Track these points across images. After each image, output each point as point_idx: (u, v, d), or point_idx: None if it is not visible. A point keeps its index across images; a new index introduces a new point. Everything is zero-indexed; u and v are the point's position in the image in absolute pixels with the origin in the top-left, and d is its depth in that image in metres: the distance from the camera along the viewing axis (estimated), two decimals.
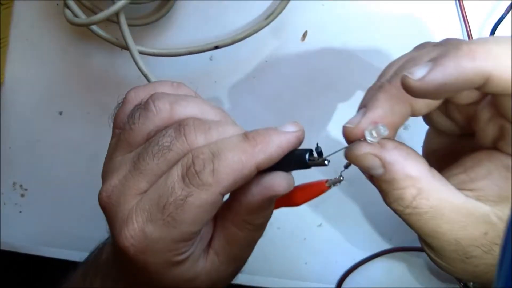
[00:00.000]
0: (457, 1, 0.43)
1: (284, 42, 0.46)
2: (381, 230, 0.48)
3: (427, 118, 0.31)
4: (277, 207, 0.31)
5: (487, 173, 0.26)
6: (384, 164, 0.26)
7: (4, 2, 0.48)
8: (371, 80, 0.45)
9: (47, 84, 0.51)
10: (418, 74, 0.23)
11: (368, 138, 0.26)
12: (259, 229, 0.31)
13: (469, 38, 0.43)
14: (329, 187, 0.30)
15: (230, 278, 0.33)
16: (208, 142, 0.28)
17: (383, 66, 0.45)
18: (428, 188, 0.25)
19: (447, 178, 0.27)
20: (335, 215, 0.47)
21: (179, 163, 0.27)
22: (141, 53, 0.43)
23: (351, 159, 0.27)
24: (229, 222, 0.30)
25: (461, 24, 0.44)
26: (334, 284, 0.49)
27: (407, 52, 0.31)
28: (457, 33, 0.44)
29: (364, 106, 0.28)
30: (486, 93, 0.27)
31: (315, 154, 0.28)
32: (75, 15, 0.42)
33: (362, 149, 0.26)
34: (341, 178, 0.29)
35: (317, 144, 0.28)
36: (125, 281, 0.32)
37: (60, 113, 0.51)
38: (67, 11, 0.43)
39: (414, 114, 0.28)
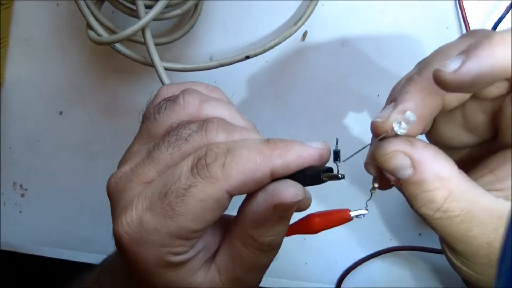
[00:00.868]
0: (457, 1, 0.43)
1: (284, 42, 0.46)
2: (381, 230, 0.48)
3: (436, 138, 0.30)
4: (292, 233, 0.29)
5: None
6: (414, 164, 0.24)
7: (4, 2, 0.48)
8: (371, 80, 0.46)
9: (47, 84, 0.51)
10: (452, 66, 0.22)
11: (397, 129, 0.25)
12: (266, 251, 0.28)
13: None
14: (352, 218, 0.28)
15: None
16: (227, 140, 0.26)
17: (383, 65, 0.45)
18: (459, 190, 0.24)
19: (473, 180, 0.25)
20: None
21: (192, 154, 0.26)
22: (168, 69, 0.42)
23: (379, 158, 0.25)
24: (235, 237, 0.28)
25: (461, 24, 0.44)
26: (334, 284, 0.50)
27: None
28: (457, 33, 0.44)
29: (393, 100, 0.26)
30: None
31: (335, 171, 0.26)
32: (98, 34, 0.41)
33: (392, 146, 0.25)
34: (366, 210, 0.27)
35: (336, 141, 0.27)
36: (129, 282, 0.31)
37: (60, 113, 0.51)
38: (91, 32, 0.42)
39: (444, 108, 0.26)
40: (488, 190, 0.25)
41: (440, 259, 0.48)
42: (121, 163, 0.29)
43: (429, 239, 0.48)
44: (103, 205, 0.52)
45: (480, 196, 0.24)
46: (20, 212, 0.54)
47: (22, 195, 0.54)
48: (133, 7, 0.41)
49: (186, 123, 0.27)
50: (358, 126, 0.46)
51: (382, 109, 0.30)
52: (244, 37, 0.46)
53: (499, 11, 0.42)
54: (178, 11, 0.42)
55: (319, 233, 0.30)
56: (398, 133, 0.25)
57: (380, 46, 0.45)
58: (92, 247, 0.53)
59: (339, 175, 0.26)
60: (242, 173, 0.25)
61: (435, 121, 0.29)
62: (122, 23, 0.42)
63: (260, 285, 0.48)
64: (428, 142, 0.26)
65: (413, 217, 0.48)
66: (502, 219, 0.24)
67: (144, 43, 0.41)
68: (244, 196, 0.28)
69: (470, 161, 0.29)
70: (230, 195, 0.26)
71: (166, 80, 0.41)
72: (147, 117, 0.29)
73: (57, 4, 0.49)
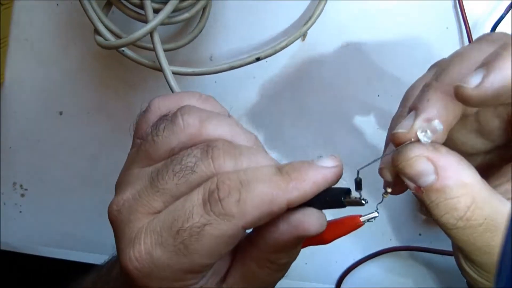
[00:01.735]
0: (457, 1, 0.43)
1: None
2: (381, 230, 0.48)
3: (448, 142, 0.28)
4: (304, 246, 0.29)
5: None
6: (437, 170, 0.23)
7: (4, 2, 0.47)
8: (371, 79, 0.46)
9: (47, 84, 0.50)
10: (473, 81, 0.22)
11: (422, 138, 0.24)
12: (282, 269, 0.28)
13: (468, 38, 0.43)
14: (363, 223, 0.27)
15: None
16: (237, 169, 0.25)
17: (383, 65, 0.45)
18: (482, 197, 0.23)
19: None
20: (334, 214, 0.47)
21: (202, 186, 0.25)
22: (176, 73, 0.41)
23: (400, 164, 0.24)
24: (250, 259, 0.27)
25: (461, 24, 0.43)
26: (334, 284, 0.49)
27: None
28: (457, 33, 0.44)
29: (413, 108, 0.25)
30: None
31: (352, 193, 0.26)
32: (105, 39, 0.41)
33: (415, 151, 0.24)
34: (377, 213, 0.27)
35: (357, 173, 0.26)
36: None
37: (60, 113, 0.51)
38: (98, 37, 0.41)
39: (466, 113, 0.26)
40: (507, 199, 0.24)
41: (440, 259, 0.48)
42: (121, 186, 0.28)
43: (429, 239, 0.48)
44: (103, 205, 0.52)
45: (502, 204, 0.24)
46: (20, 212, 0.54)
47: (22, 195, 0.54)
48: (141, 11, 0.40)
49: (189, 149, 0.26)
50: (362, 127, 0.46)
51: (395, 117, 0.29)
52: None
53: (499, 11, 0.42)
54: (186, 15, 0.42)
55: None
56: (423, 142, 0.24)
57: (380, 46, 0.45)
58: (92, 247, 0.52)
59: (362, 201, 0.26)
60: (258, 209, 0.24)
61: None
62: (127, 29, 0.42)
63: None
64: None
65: (413, 217, 0.48)
66: None
67: (153, 47, 0.40)
68: None
69: (483, 168, 0.28)
70: (245, 229, 0.25)
71: (174, 85, 0.41)
72: (144, 138, 0.28)
73: (57, 4, 0.49)
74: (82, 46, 0.49)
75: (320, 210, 0.26)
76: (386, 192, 0.27)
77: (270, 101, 0.47)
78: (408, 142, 0.24)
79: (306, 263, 0.48)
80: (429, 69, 0.31)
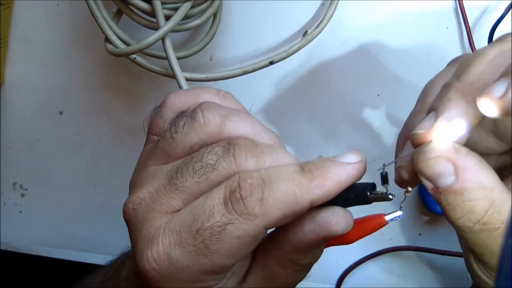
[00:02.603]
0: (457, 1, 0.43)
1: (285, 41, 0.46)
2: (381, 230, 0.48)
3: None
4: (327, 245, 0.28)
5: None
6: (457, 171, 0.23)
7: (4, 2, 0.47)
8: (371, 79, 0.46)
9: (47, 84, 0.51)
10: (497, 92, 0.21)
11: (442, 139, 0.23)
12: (304, 270, 0.27)
13: (468, 38, 0.43)
14: (387, 222, 0.27)
15: None
16: (259, 167, 0.25)
17: (383, 64, 0.45)
18: (501, 201, 0.23)
19: None
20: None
21: (223, 184, 0.24)
22: (189, 80, 0.41)
23: (420, 164, 0.24)
24: (272, 259, 0.27)
25: (461, 24, 0.43)
26: (334, 284, 0.49)
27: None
28: (457, 33, 0.44)
29: (433, 109, 0.25)
30: None
31: (377, 188, 0.25)
32: (115, 46, 0.41)
33: (435, 152, 0.23)
34: (401, 212, 0.26)
35: (383, 166, 0.25)
36: None
37: (60, 113, 0.51)
38: (109, 45, 0.41)
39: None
40: None
41: (440, 259, 0.48)
42: (137, 184, 0.27)
43: (429, 239, 0.48)
44: (103, 205, 0.52)
45: None
46: (20, 212, 0.54)
47: (22, 195, 0.54)
48: (152, 19, 0.40)
49: (210, 146, 0.26)
50: (363, 127, 0.46)
51: (413, 113, 0.28)
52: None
53: (499, 11, 0.42)
54: (197, 21, 0.41)
55: None
56: (443, 143, 0.24)
57: (380, 45, 0.45)
58: (92, 247, 0.52)
59: (390, 196, 0.25)
60: (281, 208, 0.24)
61: None
62: (136, 38, 0.42)
63: None
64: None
65: (413, 217, 0.48)
66: None
67: (165, 54, 0.40)
68: None
69: (496, 170, 0.27)
70: (267, 229, 0.25)
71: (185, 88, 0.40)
72: (161, 135, 0.28)
73: (57, 4, 0.49)
74: (82, 46, 0.49)
75: (345, 208, 0.25)
76: (407, 191, 0.26)
77: (271, 101, 0.47)
78: (428, 142, 0.24)
79: None
80: (449, 65, 0.30)
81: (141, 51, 0.40)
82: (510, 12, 0.41)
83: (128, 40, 0.41)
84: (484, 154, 0.28)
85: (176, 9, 0.39)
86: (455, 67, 0.27)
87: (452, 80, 0.25)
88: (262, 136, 0.27)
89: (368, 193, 0.25)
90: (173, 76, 0.40)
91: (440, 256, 0.48)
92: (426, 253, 0.48)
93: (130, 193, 0.27)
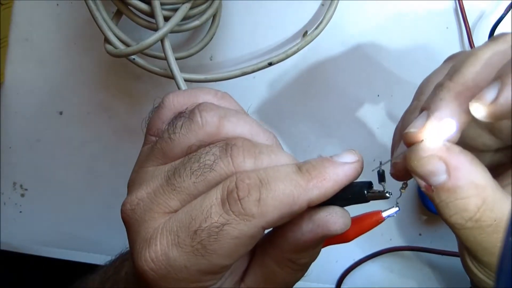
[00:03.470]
0: (457, 1, 0.43)
1: (284, 42, 0.46)
2: (381, 230, 0.48)
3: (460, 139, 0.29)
4: (326, 245, 0.28)
5: None
6: (449, 169, 0.23)
7: (4, 2, 0.48)
8: (371, 79, 0.46)
9: (47, 84, 0.51)
10: (489, 97, 0.22)
11: (434, 137, 0.24)
12: (302, 269, 0.28)
13: (468, 38, 0.43)
14: (385, 218, 0.27)
15: None
16: (256, 167, 0.25)
17: (382, 64, 0.45)
18: (493, 199, 0.23)
19: None
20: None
21: (220, 185, 0.25)
22: (188, 80, 0.41)
23: (412, 163, 0.24)
24: (270, 258, 0.27)
25: (460, 24, 0.44)
26: (334, 284, 0.50)
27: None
28: (457, 33, 0.44)
29: (425, 108, 0.25)
30: None
31: (374, 187, 0.25)
32: (115, 47, 0.41)
33: (427, 151, 0.23)
34: (398, 208, 0.26)
35: (380, 164, 0.26)
36: None
37: (60, 113, 0.51)
38: (108, 46, 0.41)
39: None
40: None
41: (440, 259, 0.48)
42: (134, 184, 0.28)
43: (429, 239, 0.48)
44: (103, 205, 0.52)
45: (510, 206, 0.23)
46: (20, 212, 0.54)
47: (22, 195, 0.54)
48: (151, 20, 0.40)
49: (207, 147, 0.26)
50: (363, 126, 0.46)
51: (408, 111, 0.28)
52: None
53: (499, 11, 0.42)
54: (196, 22, 0.41)
55: None
56: (435, 141, 0.24)
57: (380, 46, 0.45)
58: (92, 247, 0.53)
59: (387, 194, 0.25)
60: (278, 208, 0.24)
61: None
62: (135, 39, 0.42)
63: None
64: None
65: (413, 217, 0.48)
66: None
67: (164, 54, 0.40)
68: None
69: (492, 167, 0.27)
70: (264, 230, 0.25)
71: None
72: (159, 135, 0.28)
73: (57, 4, 0.49)
74: (82, 46, 0.49)
75: (343, 207, 0.26)
76: (403, 187, 0.27)
77: (271, 101, 0.47)
78: (420, 141, 0.24)
79: None
80: (445, 62, 0.30)
81: (140, 52, 0.40)
82: (510, 12, 0.41)
83: (128, 41, 0.41)
84: (480, 150, 0.28)
85: (175, 10, 0.39)
86: (450, 64, 0.27)
87: (445, 80, 0.25)
88: (260, 136, 0.27)
89: (366, 192, 0.25)
90: (172, 76, 0.40)
91: (440, 256, 0.48)
92: (426, 253, 0.48)
93: (128, 193, 0.28)
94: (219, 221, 0.24)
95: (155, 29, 0.39)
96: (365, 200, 0.25)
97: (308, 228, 0.25)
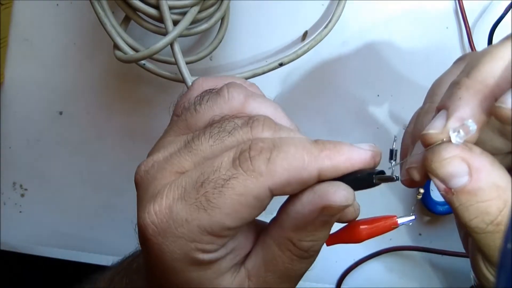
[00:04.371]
0: (457, 1, 0.43)
1: (284, 42, 0.46)
2: None
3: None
4: (334, 242, 0.27)
5: None
6: (471, 171, 0.22)
7: (4, 2, 0.47)
8: (371, 79, 0.46)
9: (47, 84, 0.51)
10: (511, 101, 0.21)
11: (454, 139, 0.23)
12: (304, 258, 0.26)
13: (468, 38, 0.43)
14: (399, 225, 0.26)
15: None
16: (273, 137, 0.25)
17: (383, 64, 0.45)
18: None
19: None
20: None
21: (235, 147, 0.25)
22: None
23: (433, 164, 0.23)
24: (271, 238, 0.26)
25: (460, 24, 0.44)
26: (334, 284, 0.50)
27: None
28: (457, 33, 0.44)
29: (442, 107, 0.24)
30: None
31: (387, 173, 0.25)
32: (124, 53, 0.41)
33: (450, 152, 0.23)
34: (414, 216, 0.26)
35: (394, 140, 0.25)
36: (148, 284, 0.29)
37: (60, 113, 0.51)
38: (118, 52, 0.41)
39: None
40: None
41: (440, 259, 0.48)
42: (153, 151, 0.27)
43: (429, 239, 0.48)
44: (103, 205, 0.52)
45: None
46: (20, 212, 0.54)
47: (22, 195, 0.54)
48: (159, 24, 0.40)
49: (230, 117, 0.26)
50: (363, 126, 0.46)
51: (421, 113, 0.28)
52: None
53: (499, 11, 0.42)
54: (205, 26, 0.41)
55: None
56: (455, 142, 0.23)
57: (380, 46, 0.45)
58: (92, 247, 0.53)
59: (394, 177, 0.24)
60: (287, 170, 0.23)
61: None
62: (143, 45, 0.42)
63: None
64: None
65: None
66: None
67: (174, 59, 0.40)
68: (284, 197, 0.26)
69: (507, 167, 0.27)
70: (272, 193, 0.24)
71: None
72: (186, 108, 0.28)
73: (57, 4, 0.49)
74: (82, 46, 0.49)
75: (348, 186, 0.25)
76: (419, 193, 0.26)
77: (274, 96, 0.47)
78: (440, 142, 0.23)
79: None
80: (455, 63, 0.30)
81: (150, 57, 0.40)
82: (510, 12, 0.41)
83: (137, 46, 0.41)
84: (491, 154, 0.28)
85: (183, 14, 0.39)
86: (462, 65, 0.26)
87: (461, 77, 0.24)
88: (283, 120, 0.27)
89: (374, 176, 0.24)
90: (182, 80, 0.40)
91: (440, 256, 0.48)
92: (426, 253, 0.48)
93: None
94: (226, 174, 0.23)
95: (164, 34, 0.39)
96: (372, 182, 0.24)
97: (309, 199, 0.24)
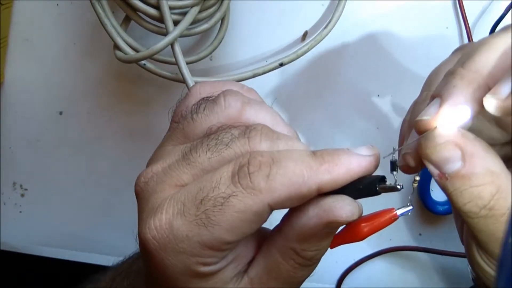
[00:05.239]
0: (457, 1, 0.43)
1: (284, 42, 0.46)
2: (381, 230, 0.48)
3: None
4: (337, 244, 0.27)
5: None
6: (464, 156, 0.23)
7: (4, 2, 0.47)
8: (371, 79, 0.46)
9: (47, 84, 0.51)
10: (503, 91, 0.22)
11: (448, 124, 0.23)
12: (307, 266, 0.27)
13: (468, 38, 0.43)
14: (398, 217, 0.26)
15: None
16: (271, 150, 0.25)
17: (383, 64, 0.45)
18: (507, 187, 0.23)
19: None
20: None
21: (233, 161, 0.25)
22: None
23: (427, 149, 0.23)
24: (275, 247, 0.26)
25: (460, 24, 0.44)
26: (334, 284, 0.50)
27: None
28: (457, 33, 0.44)
29: (437, 95, 0.24)
30: None
31: (387, 182, 0.25)
32: (125, 53, 0.41)
33: (443, 137, 0.23)
34: (411, 206, 0.26)
35: (393, 151, 0.25)
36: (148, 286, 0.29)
37: (60, 113, 0.51)
38: (118, 52, 0.41)
39: None
40: None
41: (440, 259, 0.48)
42: (151, 161, 0.28)
43: (429, 239, 0.48)
44: (103, 205, 0.52)
45: None
46: (20, 212, 0.54)
47: (22, 195, 0.54)
48: (160, 25, 0.40)
49: (227, 127, 0.26)
50: (363, 126, 0.46)
51: (418, 102, 0.28)
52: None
53: (499, 11, 0.42)
54: (206, 26, 0.41)
55: None
56: (449, 128, 0.24)
57: (379, 45, 0.45)
58: (92, 247, 0.53)
59: (398, 186, 0.25)
60: (287, 186, 0.23)
61: None
62: (143, 45, 0.42)
63: None
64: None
65: (413, 217, 0.48)
66: None
67: (174, 59, 0.40)
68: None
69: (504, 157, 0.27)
70: (271, 208, 0.24)
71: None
72: (183, 117, 0.28)
73: (57, 4, 0.49)
74: (82, 46, 0.49)
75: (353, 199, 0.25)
76: (415, 181, 0.26)
77: (271, 101, 0.47)
78: (434, 128, 0.24)
79: None
80: (453, 53, 0.30)
81: (151, 57, 0.40)
82: (510, 12, 0.41)
83: (137, 46, 0.41)
84: (488, 144, 0.28)
85: (184, 14, 0.39)
86: (459, 55, 0.27)
87: (457, 67, 0.24)
88: (280, 127, 0.27)
89: (377, 185, 0.24)
90: (182, 80, 0.40)
91: (440, 256, 0.48)
92: (425, 253, 0.48)
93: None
94: (226, 192, 0.24)
95: (164, 34, 0.39)
96: (375, 192, 0.25)
97: (314, 213, 0.24)
